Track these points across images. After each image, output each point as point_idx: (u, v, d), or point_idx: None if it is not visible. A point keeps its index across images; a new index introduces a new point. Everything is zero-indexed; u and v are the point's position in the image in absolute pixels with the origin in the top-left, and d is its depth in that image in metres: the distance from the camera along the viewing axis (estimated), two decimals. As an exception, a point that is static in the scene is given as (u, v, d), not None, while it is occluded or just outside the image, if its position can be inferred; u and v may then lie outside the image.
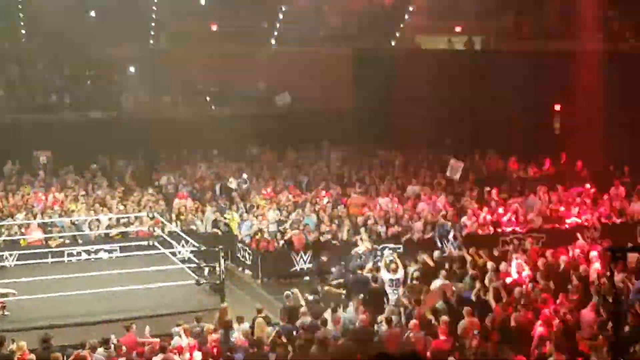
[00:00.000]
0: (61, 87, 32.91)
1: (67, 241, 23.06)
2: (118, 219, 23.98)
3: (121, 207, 24.90)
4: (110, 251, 22.99)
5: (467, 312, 16.18)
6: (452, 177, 26.41)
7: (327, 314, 16.62)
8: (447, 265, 19.63)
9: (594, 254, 19.68)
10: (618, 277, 17.53)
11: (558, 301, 16.97)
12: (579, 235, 22.10)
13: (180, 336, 15.78)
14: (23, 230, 23.17)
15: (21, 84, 32.56)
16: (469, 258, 19.93)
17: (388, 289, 18.76)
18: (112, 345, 15.38)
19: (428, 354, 14.83)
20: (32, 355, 14.97)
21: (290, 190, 26.69)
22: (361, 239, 21.79)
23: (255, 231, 22.73)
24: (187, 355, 15.22)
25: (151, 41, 33.35)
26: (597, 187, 26.58)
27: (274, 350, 15.15)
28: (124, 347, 15.37)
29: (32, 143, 29.59)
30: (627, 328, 15.33)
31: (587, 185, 26.77)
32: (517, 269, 19.18)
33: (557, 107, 32.09)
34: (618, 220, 24.36)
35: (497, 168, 29.55)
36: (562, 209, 24.80)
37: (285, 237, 22.24)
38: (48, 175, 28.85)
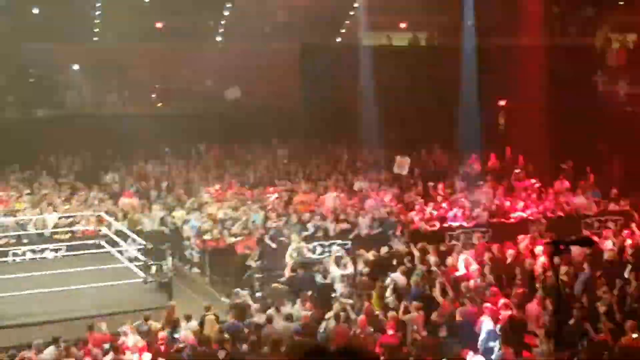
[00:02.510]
0: (4, 86, 32.38)
1: (12, 241, 22.72)
2: (64, 218, 23.70)
3: (67, 206, 24.63)
4: (56, 250, 22.72)
5: (416, 307, 16.33)
6: (398, 172, 26.59)
7: (272, 311, 16.65)
8: (395, 261, 19.78)
9: (539, 248, 19.96)
10: (562, 270, 17.83)
11: (505, 295, 17.20)
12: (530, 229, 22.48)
13: (127, 335, 15.70)
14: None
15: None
16: (417, 253, 20.07)
17: (338, 285, 18.82)
18: (62, 345, 15.25)
19: (376, 349, 14.93)
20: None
21: (236, 186, 26.59)
22: (291, 238, 21.72)
23: (204, 229, 22.63)
24: (136, 354, 15.12)
25: (96, 38, 32.96)
26: (542, 181, 26.98)
27: (222, 347, 15.13)
28: (73, 349, 15.23)
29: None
30: (572, 321, 15.60)
31: (532, 180, 27.17)
32: (464, 263, 19.38)
33: (502, 103, 32.49)
34: (563, 214, 24.72)
35: (443, 163, 29.80)
36: (507, 203, 25.11)
37: (231, 241, 22.05)
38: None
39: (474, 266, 19.26)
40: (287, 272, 19.84)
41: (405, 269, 18.97)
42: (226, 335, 15.71)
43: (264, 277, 20.28)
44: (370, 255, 20.15)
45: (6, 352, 15.28)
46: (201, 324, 16.41)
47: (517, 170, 28.15)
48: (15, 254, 22.35)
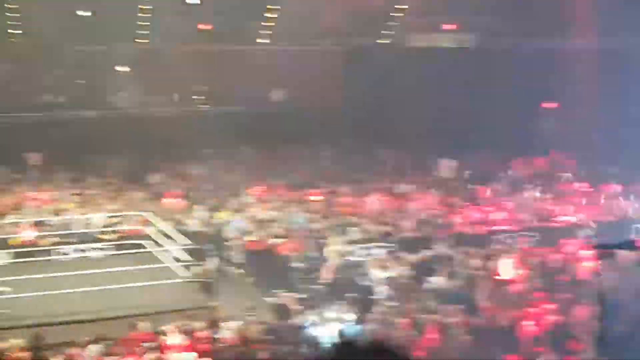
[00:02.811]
0: (54, 87, 32.83)
1: (58, 240, 23.00)
2: (109, 218, 23.94)
3: (112, 206, 24.87)
4: (101, 250, 22.93)
5: (457, 311, 16.18)
6: (443, 175, 26.42)
7: (314, 313, 16.63)
8: (438, 264, 19.63)
9: (586, 252, 19.68)
10: (609, 275, 17.54)
11: (550, 300, 16.99)
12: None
13: (170, 334, 15.77)
14: (14, 229, 23.12)
15: (14, 83, 32.43)
16: (460, 257, 19.92)
17: (380, 287, 18.70)
18: (106, 343, 15.39)
19: (417, 352, 14.82)
20: (25, 354, 14.95)
21: (279, 188, 26.64)
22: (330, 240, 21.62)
23: (246, 230, 22.69)
24: (178, 353, 15.18)
25: (143, 40, 33.27)
26: (591, 185, 26.64)
27: (263, 348, 15.15)
28: (116, 347, 15.34)
29: (24, 142, 29.45)
30: (618, 327, 15.33)
31: (581, 184, 26.84)
32: (508, 267, 19.17)
33: (549, 105, 32.12)
34: (611, 219, 24.34)
35: (489, 166, 29.53)
36: (555, 207, 24.80)
37: (273, 243, 22.04)
38: (40, 174, 28.76)
39: (519, 270, 19.05)
40: (326, 274, 19.76)
41: (448, 272, 18.83)
42: (268, 336, 15.73)
43: (306, 279, 20.22)
44: (413, 258, 20.03)
45: (51, 349, 15.43)
46: (243, 324, 16.43)
47: (565, 174, 27.84)
48: (61, 253, 22.62)
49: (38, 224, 23.49)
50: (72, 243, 22.99)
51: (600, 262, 18.13)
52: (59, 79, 33.03)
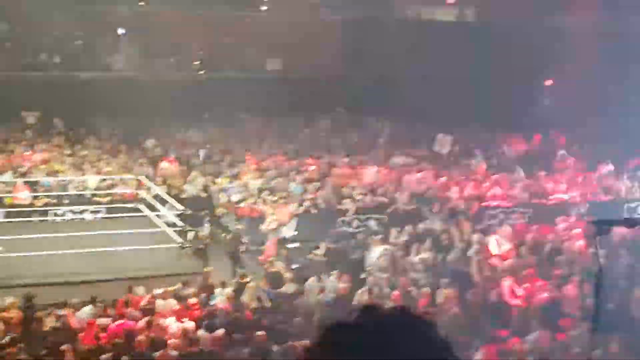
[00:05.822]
0: (51, 47, 32.61)
1: (53, 201, 22.96)
2: (104, 180, 23.89)
3: (108, 169, 24.81)
4: (95, 212, 22.89)
5: (447, 284, 16.24)
6: (439, 150, 26.41)
7: (310, 282, 16.67)
8: (430, 238, 19.67)
9: (577, 230, 19.75)
10: (602, 252, 17.60)
11: (542, 276, 17.07)
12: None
13: (164, 299, 15.80)
14: (9, 188, 23.06)
15: (10, 43, 32.21)
16: (454, 231, 19.96)
17: (374, 260, 18.68)
18: (99, 305, 15.43)
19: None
20: (16, 313, 14.99)
21: (275, 156, 26.58)
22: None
23: (241, 197, 22.66)
24: (171, 318, 15.21)
25: (141, 3, 33.05)
26: (586, 163, 26.69)
27: (259, 315, 15.20)
28: (109, 310, 15.37)
29: (20, 102, 29.29)
30: (610, 305, 15.41)
31: (575, 162, 26.90)
32: (497, 243, 19.23)
33: (548, 82, 32.10)
34: (605, 198, 24.40)
35: (485, 142, 29.52)
36: (549, 184, 24.84)
37: (267, 211, 21.99)
38: (35, 134, 28.64)
39: (506, 246, 19.10)
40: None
41: (441, 246, 18.89)
42: (260, 304, 15.79)
43: (300, 248, 20.25)
44: (407, 231, 20.06)
45: (44, 309, 15.45)
46: (235, 290, 16.47)
47: (561, 152, 27.87)
48: (55, 214, 22.58)
49: (33, 184, 23.45)
50: (67, 204, 22.97)
51: (595, 238, 18.17)
52: (56, 39, 32.80)
